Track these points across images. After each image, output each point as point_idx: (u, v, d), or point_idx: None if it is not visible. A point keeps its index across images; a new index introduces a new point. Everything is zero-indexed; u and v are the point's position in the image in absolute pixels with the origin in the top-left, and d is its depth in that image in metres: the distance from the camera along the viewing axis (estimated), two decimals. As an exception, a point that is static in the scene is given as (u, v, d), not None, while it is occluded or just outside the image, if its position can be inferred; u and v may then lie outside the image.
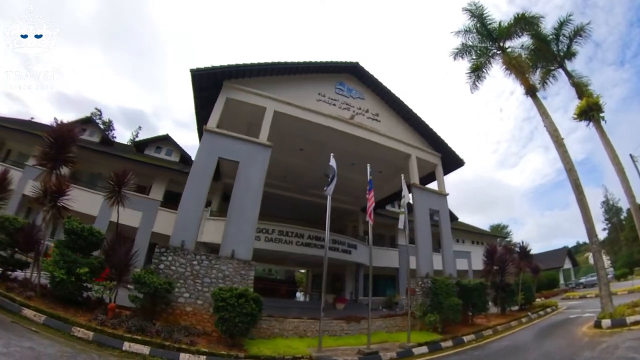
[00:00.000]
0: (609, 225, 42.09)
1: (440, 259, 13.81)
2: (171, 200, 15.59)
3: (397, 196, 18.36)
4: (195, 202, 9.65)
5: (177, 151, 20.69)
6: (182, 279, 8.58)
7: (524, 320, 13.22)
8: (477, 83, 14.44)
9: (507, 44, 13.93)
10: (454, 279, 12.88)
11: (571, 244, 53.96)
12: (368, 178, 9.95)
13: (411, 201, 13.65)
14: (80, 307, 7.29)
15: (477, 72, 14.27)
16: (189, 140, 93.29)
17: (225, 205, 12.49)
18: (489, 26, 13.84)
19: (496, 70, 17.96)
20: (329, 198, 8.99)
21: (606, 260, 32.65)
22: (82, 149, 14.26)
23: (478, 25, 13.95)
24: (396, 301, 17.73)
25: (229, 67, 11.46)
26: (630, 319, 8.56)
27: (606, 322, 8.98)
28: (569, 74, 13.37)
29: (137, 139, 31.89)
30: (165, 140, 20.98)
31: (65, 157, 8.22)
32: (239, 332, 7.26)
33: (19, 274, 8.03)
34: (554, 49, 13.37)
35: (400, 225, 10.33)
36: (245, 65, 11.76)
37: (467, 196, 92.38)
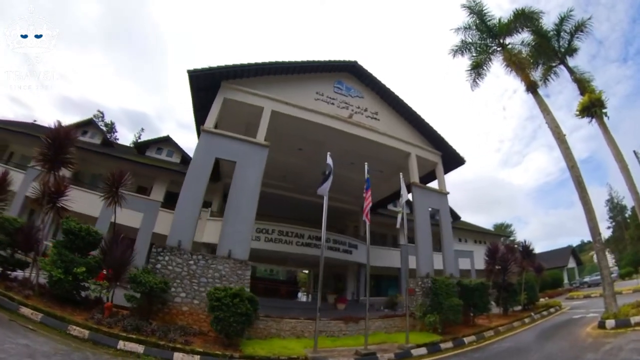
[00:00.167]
0: (614, 223, 41.56)
1: (441, 259, 13.66)
2: (172, 201, 15.51)
3: (398, 195, 18.00)
4: (192, 202, 9.67)
5: (178, 152, 20.82)
6: (179, 279, 8.60)
7: (526, 320, 13.00)
8: (477, 80, 14.30)
9: (508, 40, 13.79)
10: (455, 278, 12.70)
11: (576, 242, 53.06)
12: (366, 177, 9.89)
13: (411, 200, 13.54)
14: (78, 306, 7.34)
15: (478, 69, 14.11)
16: (191, 141, 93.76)
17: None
18: (488, 23, 13.70)
19: (497, 68, 17.72)
20: (325, 197, 8.93)
21: (611, 259, 32.10)
22: (83, 151, 14.46)
23: (477, 21, 13.82)
24: (398, 301, 17.58)
25: (227, 67, 11.49)
26: (634, 319, 8.38)
27: (610, 323, 8.81)
28: (570, 70, 13.16)
29: (139, 141, 32.21)
30: (166, 142, 21.14)
31: (63, 159, 8.27)
32: (234, 332, 7.23)
33: (19, 273, 8.11)
34: (555, 45, 13.17)
35: (398, 224, 10.25)
36: (242, 66, 11.77)
37: (471, 196, 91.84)
